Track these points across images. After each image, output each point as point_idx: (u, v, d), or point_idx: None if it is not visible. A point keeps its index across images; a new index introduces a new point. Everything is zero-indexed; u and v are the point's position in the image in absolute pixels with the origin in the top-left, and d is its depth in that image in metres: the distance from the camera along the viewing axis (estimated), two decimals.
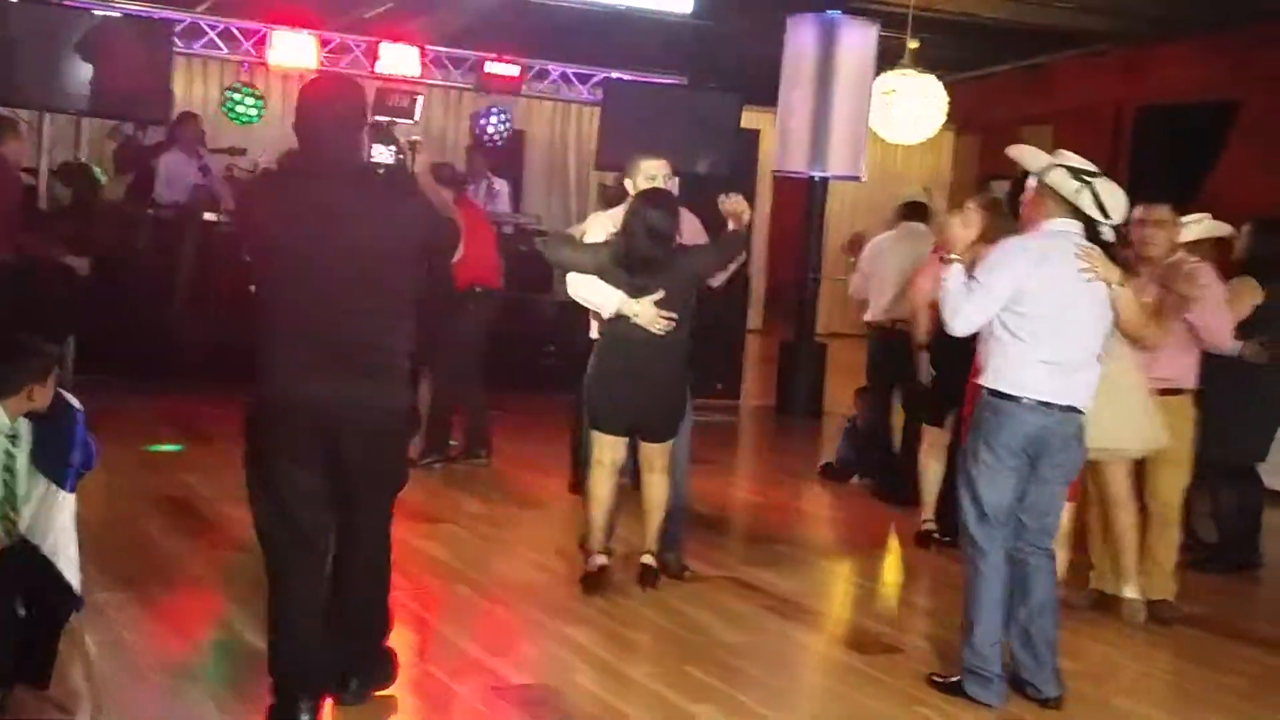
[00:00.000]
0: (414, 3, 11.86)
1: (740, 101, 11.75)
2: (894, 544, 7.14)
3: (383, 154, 4.27)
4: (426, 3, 11.90)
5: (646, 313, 5.54)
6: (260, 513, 4.07)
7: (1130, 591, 5.85)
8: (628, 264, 5.54)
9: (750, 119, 12.46)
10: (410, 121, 6.41)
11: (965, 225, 4.90)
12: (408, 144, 4.36)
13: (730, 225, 5.77)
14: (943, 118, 11.09)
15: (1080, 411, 4.67)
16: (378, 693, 4.34)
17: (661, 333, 5.53)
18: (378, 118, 5.04)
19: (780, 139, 10.59)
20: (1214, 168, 12.24)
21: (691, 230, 6.02)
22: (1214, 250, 6.56)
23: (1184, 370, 5.90)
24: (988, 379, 4.67)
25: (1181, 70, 12.71)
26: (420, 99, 6.60)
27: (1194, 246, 6.37)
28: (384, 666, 4.41)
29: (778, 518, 7.72)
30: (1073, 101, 13.92)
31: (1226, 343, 5.95)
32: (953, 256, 4.75)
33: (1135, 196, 6.48)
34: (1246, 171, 11.72)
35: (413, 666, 4.74)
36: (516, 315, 8.12)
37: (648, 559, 5.82)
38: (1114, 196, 4.66)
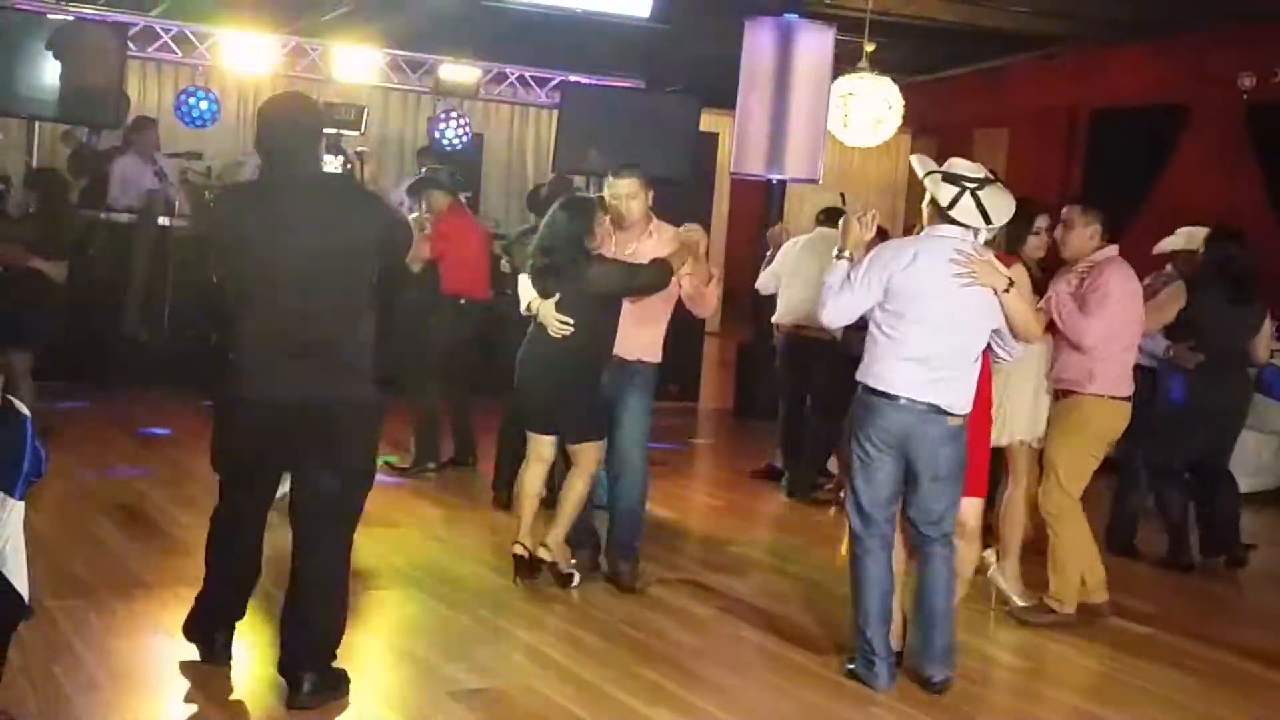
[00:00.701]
0: (371, 6, 11.81)
1: (698, 104, 11.78)
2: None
3: (332, 164, 4.43)
4: (383, 6, 11.85)
5: (545, 314, 5.68)
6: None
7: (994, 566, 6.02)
8: (535, 265, 5.74)
9: (709, 122, 12.49)
10: (356, 133, 6.68)
11: (864, 227, 4.95)
12: (355, 154, 4.54)
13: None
14: (899, 120, 11.14)
15: (947, 413, 4.76)
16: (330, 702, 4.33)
17: (557, 335, 5.63)
18: (326, 130, 5.16)
19: (738, 142, 10.61)
20: (1166, 170, 12.37)
21: (654, 245, 5.90)
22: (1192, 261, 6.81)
23: (1081, 374, 5.81)
24: (861, 374, 4.86)
25: (1134, 74, 12.83)
26: (366, 110, 6.72)
27: (1173, 257, 6.67)
28: (337, 675, 4.41)
29: (733, 520, 7.74)
30: (1027, 104, 14.02)
31: (1083, 340, 5.71)
32: (845, 254, 4.87)
33: (1090, 198, 6.69)
34: (1197, 174, 11.85)
35: (367, 672, 4.72)
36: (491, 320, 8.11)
37: (518, 549, 5.86)
38: (996, 201, 4.77)
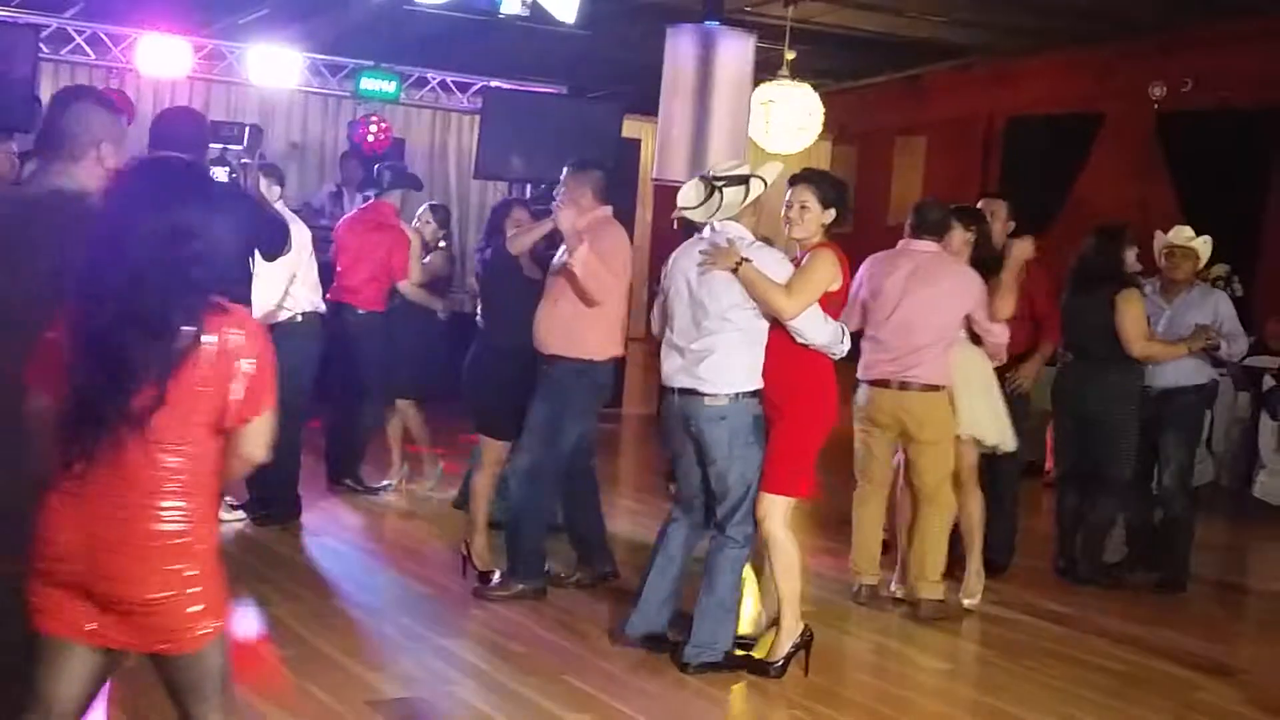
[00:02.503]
0: (289, 9, 11.68)
1: (621, 110, 11.78)
2: None
3: (219, 174, 5.49)
4: (302, 9, 11.73)
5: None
6: None
7: (974, 585, 6.19)
8: None
9: (631, 128, 12.50)
10: (239, 147, 7.16)
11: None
12: (239, 164, 5.79)
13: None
14: (820, 127, 11.24)
15: (698, 394, 4.96)
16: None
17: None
18: (212, 144, 5.91)
19: (660, 148, 10.63)
20: (1080, 177, 12.58)
21: (604, 249, 5.79)
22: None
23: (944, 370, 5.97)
24: None
25: (1048, 83, 13.04)
26: (249, 128, 7.03)
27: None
28: None
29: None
30: (945, 112, 14.21)
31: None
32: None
33: (1009, 202, 6.96)
34: (1111, 181, 12.07)
35: (288, 681, 4.67)
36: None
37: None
38: (732, 198, 5.06)
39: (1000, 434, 6.17)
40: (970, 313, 5.97)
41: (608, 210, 5.95)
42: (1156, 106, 11.93)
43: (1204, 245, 6.87)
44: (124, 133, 3.43)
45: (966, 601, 6.17)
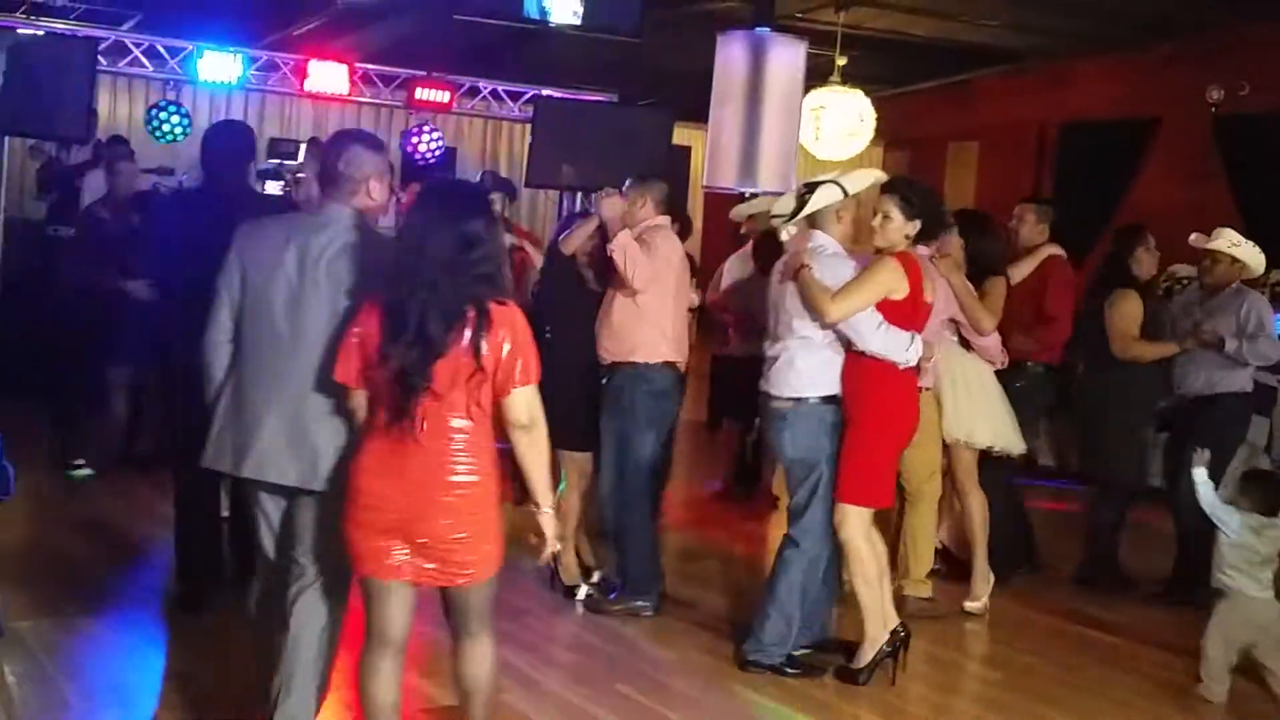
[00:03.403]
0: (343, 21, 11.78)
1: (671, 118, 11.79)
2: None
3: (273, 186, 6.26)
4: (356, 21, 11.83)
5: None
6: None
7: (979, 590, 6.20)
8: None
9: (681, 136, 12.50)
10: (295, 162, 7.55)
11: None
12: (293, 178, 6.17)
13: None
14: (871, 134, 11.19)
15: (770, 397, 5.15)
16: None
17: None
18: (270, 161, 6.07)
19: (710, 155, 10.62)
20: (1135, 183, 12.44)
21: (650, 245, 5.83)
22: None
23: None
24: None
25: (1103, 88, 12.90)
26: (303, 146, 7.25)
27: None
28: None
29: (706, 534, 7.72)
30: (997, 118, 14.09)
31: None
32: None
33: (1060, 210, 7.06)
34: (1166, 187, 11.92)
35: (340, 689, 4.70)
36: None
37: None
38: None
39: (997, 436, 6.12)
40: (954, 318, 6.01)
41: (665, 220, 5.96)
42: (1214, 110, 11.77)
43: (1241, 251, 6.60)
44: (388, 167, 4.00)
45: (969, 605, 6.15)
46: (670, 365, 5.83)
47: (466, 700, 3.68)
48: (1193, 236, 6.77)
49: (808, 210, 5.14)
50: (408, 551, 3.41)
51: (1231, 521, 5.17)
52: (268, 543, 3.93)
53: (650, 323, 5.76)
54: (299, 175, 6.07)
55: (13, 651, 4.67)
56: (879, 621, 5.09)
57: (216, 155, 5.53)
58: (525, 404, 3.44)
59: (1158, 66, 12.27)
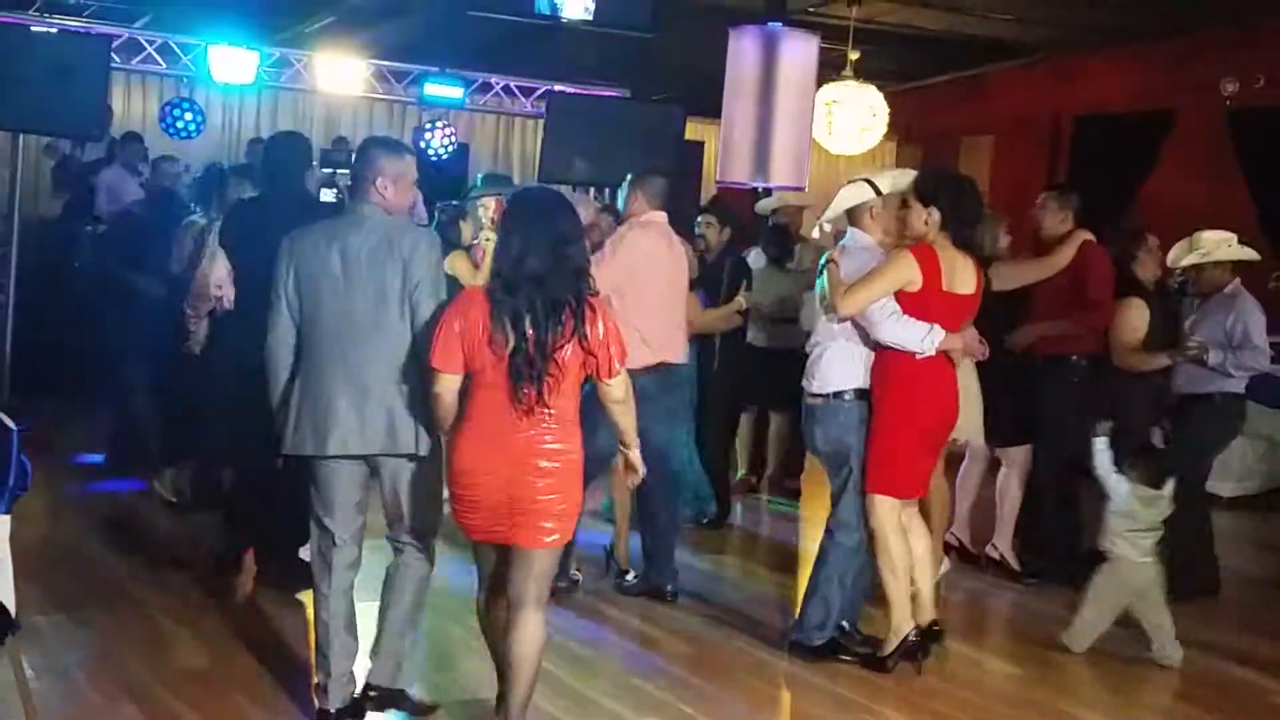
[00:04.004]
0: (355, 17, 11.80)
1: (683, 113, 11.78)
2: None
3: (327, 195, 6.49)
4: (368, 17, 11.84)
5: None
6: None
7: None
8: None
9: (694, 131, 12.49)
10: (346, 171, 7.80)
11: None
12: (345, 186, 6.15)
13: None
14: (884, 128, 11.18)
15: (807, 392, 5.20)
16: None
17: None
18: (323, 170, 6.58)
19: (723, 150, 10.62)
20: (1150, 177, 12.40)
21: (605, 250, 5.87)
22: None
23: None
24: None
25: (1117, 80, 12.86)
26: (357, 151, 7.50)
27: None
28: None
29: (722, 529, 7.70)
30: (1011, 112, 14.05)
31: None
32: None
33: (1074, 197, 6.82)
34: (1182, 180, 11.88)
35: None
36: None
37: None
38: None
39: (961, 430, 5.96)
40: None
41: (654, 216, 5.92)
42: (1229, 103, 11.72)
43: (1219, 254, 6.53)
44: (405, 169, 4.30)
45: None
46: (656, 368, 5.76)
47: (512, 674, 3.96)
48: (1170, 254, 6.68)
49: (834, 207, 5.25)
50: (508, 515, 3.86)
51: (1120, 489, 5.40)
52: (343, 519, 4.28)
53: (630, 327, 5.72)
54: (349, 185, 6.32)
55: (31, 646, 4.69)
56: (904, 612, 5.10)
57: (277, 164, 5.88)
58: (622, 385, 3.98)
59: (1172, 59, 12.22)
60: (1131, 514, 5.43)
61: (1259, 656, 5.75)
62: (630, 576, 6.12)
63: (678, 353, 5.96)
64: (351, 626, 4.31)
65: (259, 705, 4.42)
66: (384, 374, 4.14)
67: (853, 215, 5.24)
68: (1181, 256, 6.62)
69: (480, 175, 7.98)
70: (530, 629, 3.92)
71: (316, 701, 4.28)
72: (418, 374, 4.08)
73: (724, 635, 5.61)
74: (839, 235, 5.41)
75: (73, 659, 4.78)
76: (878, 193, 5.18)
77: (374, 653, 4.38)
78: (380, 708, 4.39)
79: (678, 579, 6.03)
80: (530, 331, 3.79)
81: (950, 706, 4.89)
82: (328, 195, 9.93)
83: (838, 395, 5.08)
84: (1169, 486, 5.48)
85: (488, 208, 6.19)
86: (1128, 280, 6.56)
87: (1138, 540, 5.44)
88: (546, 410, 3.83)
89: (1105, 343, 6.56)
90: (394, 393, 4.14)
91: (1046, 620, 5.93)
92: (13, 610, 4.13)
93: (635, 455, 4.15)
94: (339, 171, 11.07)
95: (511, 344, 3.78)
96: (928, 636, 5.17)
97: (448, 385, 3.89)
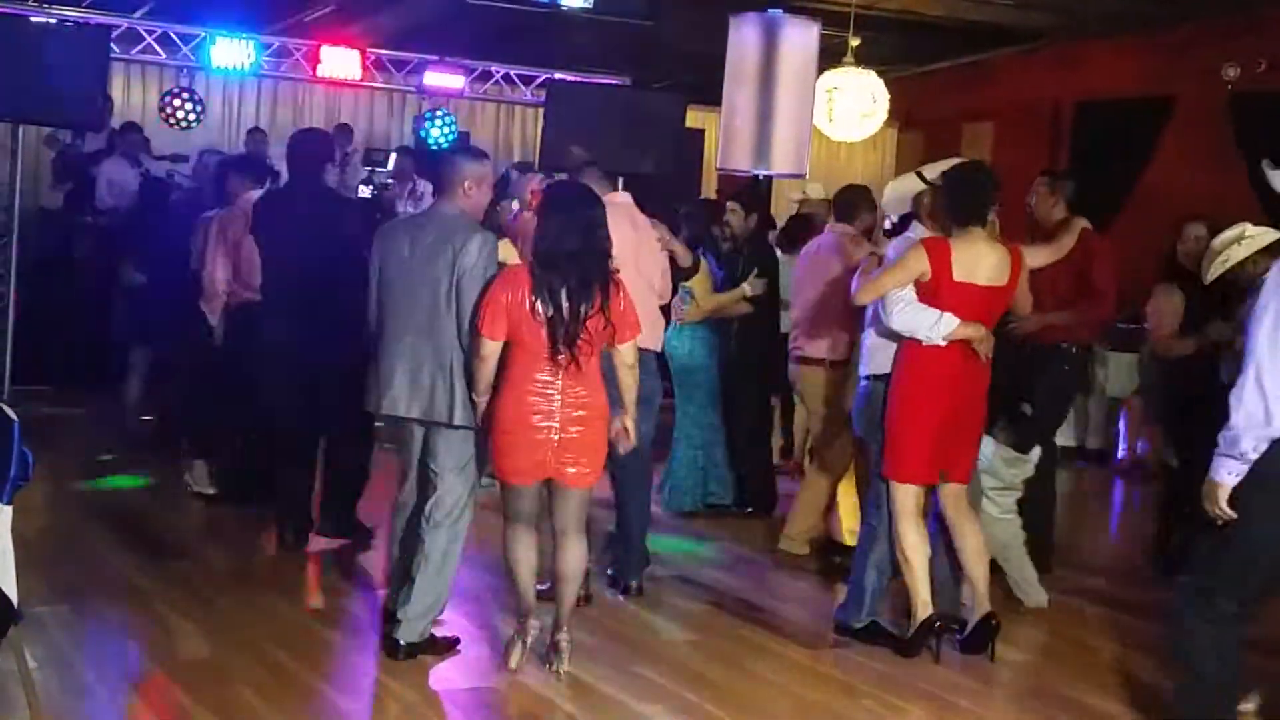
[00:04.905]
0: (355, 6, 11.78)
1: (684, 101, 11.75)
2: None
3: (364, 190, 7.38)
4: (367, 6, 11.83)
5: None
6: None
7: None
8: None
9: (694, 118, 12.46)
10: (386, 170, 7.77)
11: None
12: (381, 185, 7.35)
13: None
14: (885, 114, 11.14)
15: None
16: None
17: None
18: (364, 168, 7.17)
19: (724, 138, 10.58)
20: (1151, 162, 12.38)
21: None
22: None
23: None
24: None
25: (1118, 66, 12.83)
26: (394, 155, 7.83)
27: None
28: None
29: (725, 517, 7.70)
30: (1012, 98, 14.02)
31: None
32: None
33: (1079, 189, 6.84)
34: (1183, 166, 11.86)
35: (356, 670, 4.72)
36: None
37: None
38: None
39: None
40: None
41: (615, 197, 5.87)
42: (1230, 88, 11.70)
43: (1240, 249, 6.35)
44: (486, 171, 4.95)
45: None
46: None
47: (560, 584, 4.76)
48: (1210, 271, 6.50)
49: (886, 199, 5.51)
50: (554, 457, 4.57)
51: (985, 450, 5.55)
52: (413, 469, 4.98)
53: None
54: (389, 181, 6.59)
55: (34, 636, 4.69)
56: (919, 598, 5.14)
57: (298, 160, 6.39)
58: (633, 351, 4.69)
59: (1173, 45, 12.20)
60: (992, 473, 5.73)
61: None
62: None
63: (646, 339, 5.64)
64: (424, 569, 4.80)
65: (263, 697, 4.42)
66: (429, 353, 4.76)
67: (915, 206, 5.40)
68: (1213, 270, 6.39)
69: (510, 164, 8.18)
70: (575, 550, 4.74)
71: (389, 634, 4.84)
72: (456, 356, 4.71)
73: (727, 622, 5.61)
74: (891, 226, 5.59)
75: (76, 650, 4.78)
76: (926, 183, 5.30)
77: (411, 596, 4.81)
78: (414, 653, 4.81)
79: (642, 571, 5.93)
80: (566, 303, 4.46)
81: (954, 694, 4.89)
82: (365, 191, 11.03)
83: (871, 379, 5.27)
84: (1036, 451, 5.85)
85: (531, 189, 6.61)
86: (1168, 265, 6.58)
87: (997, 498, 5.80)
88: (578, 369, 4.50)
89: (1099, 331, 6.64)
90: (435, 370, 4.75)
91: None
92: (15, 601, 4.13)
93: (632, 421, 4.76)
94: (376, 170, 11.93)
95: (550, 313, 4.44)
96: (984, 628, 5.21)
97: (492, 350, 4.52)
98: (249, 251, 6.67)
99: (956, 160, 5.51)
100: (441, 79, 12.52)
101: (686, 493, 7.42)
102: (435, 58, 12.48)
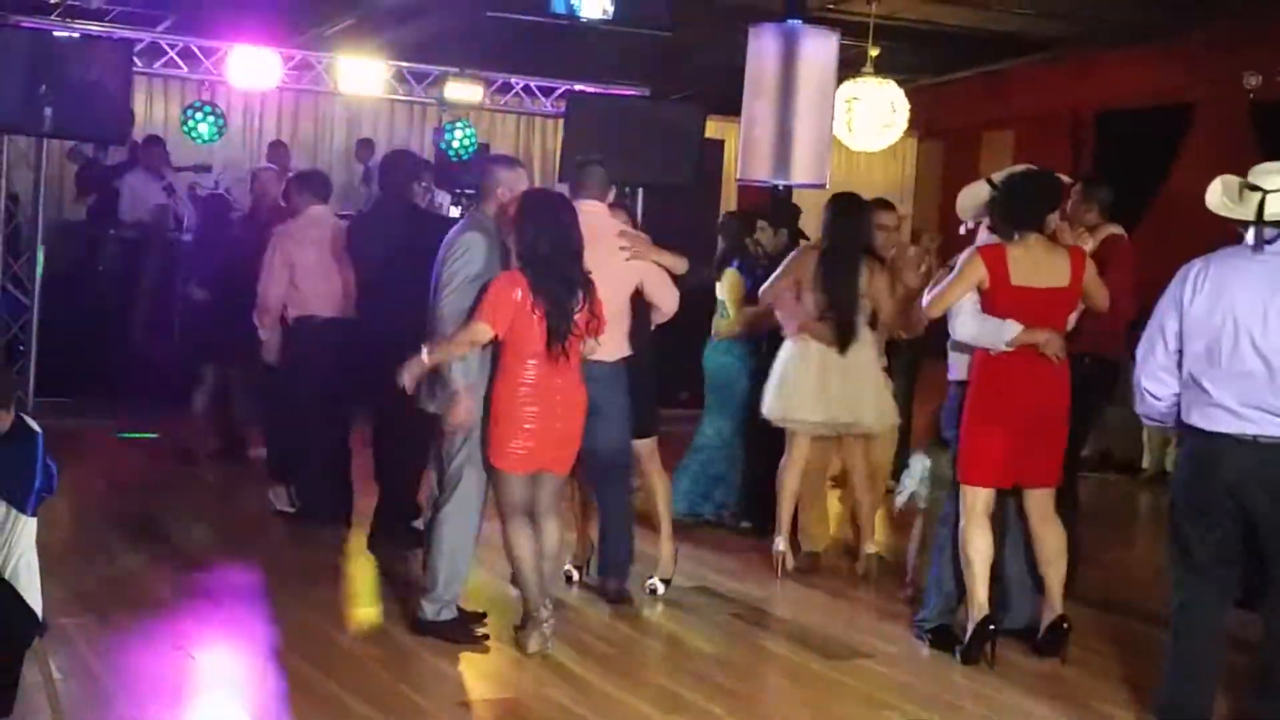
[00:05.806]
0: (375, 19, 11.83)
1: (704, 112, 11.76)
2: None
3: (453, 211, 7.49)
4: (388, 19, 11.87)
5: None
6: None
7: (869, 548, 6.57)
8: None
9: (714, 129, 12.47)
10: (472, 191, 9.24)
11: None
12: (466, 200, 7.10)
13: None
14: (905, 124, 11.15)
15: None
16: None
17: None
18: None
19: (744, 148, 10.58)
20: (1172, 171, 12.34)
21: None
22: None
23: None
24: None
25: (1138, 75, 12.81)
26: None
27: None
28: None
29: (736, 529, 7.66)
30: (1033, 107, 14.02)
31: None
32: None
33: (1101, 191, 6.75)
34: (1203, 174, 11.78)
35: (379, 680, 4.73)
36: None
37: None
38: None
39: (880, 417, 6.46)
40: None
41: (584, 205, 5.44)
42: (1251, 96, 11.66)
43: None
44: (520, 177, 5.24)
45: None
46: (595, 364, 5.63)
47: (551, 565, 5.18)
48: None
49: (960, 207, 5.57)
50: (554, 445, 4.94)
51: (915, 467, 6.00)
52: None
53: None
54: (469, 193, 6.79)
55: (58, 647, 4.71)
56: (977, 602, 5.19)
57: (387, 180, 6.74)
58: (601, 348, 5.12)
59: (1194, 53, 12.17)
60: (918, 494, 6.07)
61: None
62: (576, 575, 6.08)
63: (610, 349, 5.45)
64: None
65: (286, 707, 4.43)
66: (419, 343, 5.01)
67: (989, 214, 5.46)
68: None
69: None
70: (554, 530, 5.13)
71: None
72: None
73: (748, 633, 5.60)
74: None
75: (100, 661, 4.80)
76: (995, 189, 5.37)
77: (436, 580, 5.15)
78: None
79: (624, 580, 5.85)
80: (560, 300, 4.82)
81: (976, 704, 4.87)
82: (454, 211, 11.48)
83: (954, 384, 5.39)
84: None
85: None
86: None
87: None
88: (567, 361, 4.86)
89: (1120, 341, 6.51)
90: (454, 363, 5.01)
91: None
92: (40, 612, 4.15)
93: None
94: (466, 192, 12.07)
95: (544, 310, 4.77)
96: (1054, 633, 5.27)
97: (487, 339, 4.84)
98: (314, 265, 6.83)
99: (1022, 168, 5.54)
100: (462, 91, 12.55)
101: (681, 497, 7.22)
102: (455, 70, 12.52)
